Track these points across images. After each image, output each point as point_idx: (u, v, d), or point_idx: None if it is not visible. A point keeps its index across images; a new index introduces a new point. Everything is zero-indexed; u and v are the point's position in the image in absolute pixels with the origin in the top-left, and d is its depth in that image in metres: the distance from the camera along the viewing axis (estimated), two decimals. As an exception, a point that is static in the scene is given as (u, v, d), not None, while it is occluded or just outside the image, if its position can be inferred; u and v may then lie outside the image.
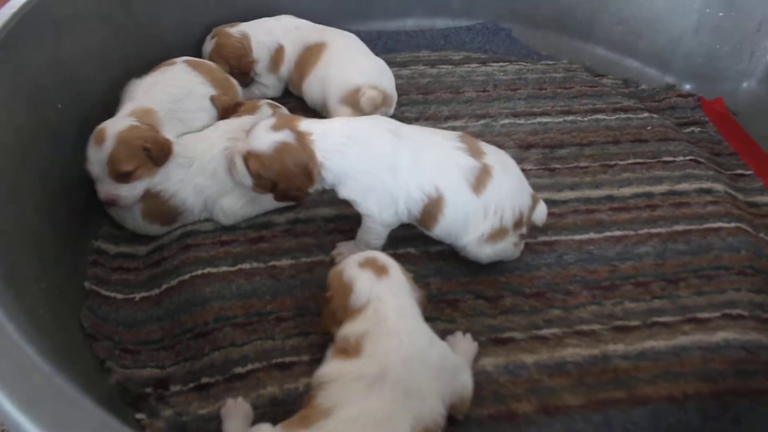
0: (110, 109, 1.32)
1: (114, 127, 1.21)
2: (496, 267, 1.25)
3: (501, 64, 1.89)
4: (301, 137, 1.13)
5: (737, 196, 1.48)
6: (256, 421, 0.96)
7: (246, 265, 1.23)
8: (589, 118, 1.69)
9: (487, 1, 2.07)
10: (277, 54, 1.61)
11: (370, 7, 2.02)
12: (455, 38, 2.02)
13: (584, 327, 1.15)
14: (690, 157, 1.56)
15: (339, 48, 1.57)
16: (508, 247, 1.19)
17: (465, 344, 1.09)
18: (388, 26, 2.04)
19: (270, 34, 1.61)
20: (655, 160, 1.56)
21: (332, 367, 0.89)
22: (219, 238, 1.29)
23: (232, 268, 1.22)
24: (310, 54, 1.57)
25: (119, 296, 1.20)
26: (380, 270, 0.99)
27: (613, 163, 1.54)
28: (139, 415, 1.00)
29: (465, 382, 0.96)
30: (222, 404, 1.00)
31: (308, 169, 1.13)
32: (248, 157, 1.15)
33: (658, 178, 1.50)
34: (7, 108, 1.08)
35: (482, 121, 1.64)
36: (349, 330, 0.93)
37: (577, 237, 1.33)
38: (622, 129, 1.66)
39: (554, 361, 1.09)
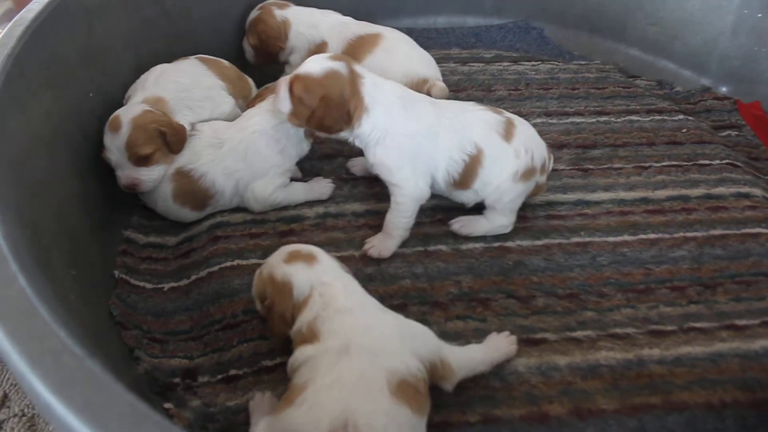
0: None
1: (128, 113, 1.22)
2: (527, 267, 1.23)
3: (533, 63, 1.87)
4: (354, 75, 1.17)
5: (776, 201, 1.45)
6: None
7: (275, 258, 1.22)
8: (623, 119, 1.67)
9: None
10: (318, 49, 1.58)
11: (401, 4, 2.02)
12: (486, 36, 2.01)
13: (618, 330, 1.13)
14: (727, 161, 1.53)
15: (396, 39, 1.58)
16: (530, 188, 1.27)
17: (499, 341, 1.07)
18: (419, 23, 2.03)
19: (314, 29, 1.60)
20: (691, 162, 1.53)
21: (297, 353, 0.90)
22: (249, 230, 1.29)
23: (262, 261, 1.18)
24: (363, 43, 1.56)
25: (148, 286, 1.20)
26: (308, 258, 0.99)
27: (647, 164, 1.52)
28: (167, 405, 0.99)
29: (437, 345, 0.95)
30: (250, 397, 0.99)
31: (349, 107, 1.16)
32: (294, 80, 1.17)
33: (694, 181, 1.47)
34: (39, 95, 1.08)
35: (514, 120, 1.62)
36: (299, 322, 0.93)
37: (611, 239, 1.31)
38: (657, 131, 1.63)
39: (587, 363, 1.07)
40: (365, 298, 0.97)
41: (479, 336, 1.09)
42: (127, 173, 1.23)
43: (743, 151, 1.61)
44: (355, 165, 1.45)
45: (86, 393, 0.55)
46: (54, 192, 1.06)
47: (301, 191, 1.34)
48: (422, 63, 1.55)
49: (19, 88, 1.01)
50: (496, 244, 1.28)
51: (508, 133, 1.22)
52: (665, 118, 1.68)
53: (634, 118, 1.67)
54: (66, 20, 1.19)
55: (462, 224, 1.29)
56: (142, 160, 1.22)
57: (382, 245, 1.23)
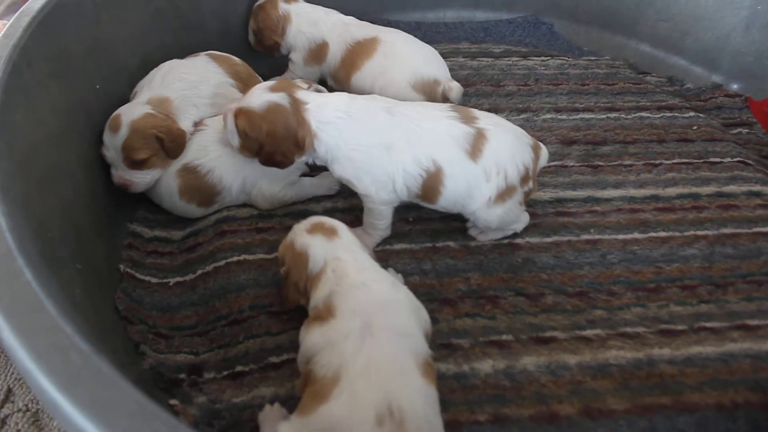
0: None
1: (129, 114, 1.21)
2: (537, 264, 1.22)
3: (542, 58, 1.85)
4: (296, 103, 1.13)
5: (787, 200, 1.43)
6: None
7: (282, 253, 1.21)
8: (633, 115, 1.65)
9: (529, -7, 2.04)
10: (319, 49, 1.57)
11: (409, -3, 2.00)
12: (495, 31, 1.98)
13: (628, 329, 1.11)
14: (738, 159, 1.51)
15: (395, 41, 1.52)
16: (516, 204, 1.18)
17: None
18: (428, 17, 2.01)
19: (314, 27, 1.57)
20: (702, 160, 1.51)
21: (315, 336, 0.88)
22: (255, 225, 1.28)
23: (269, 256, 1.20)
24: (362, 48, 1.52)
25: (154, 280, 1.18)
26: (330, 232, 1.01)
27: (657, 162, 1.50)
28: (172, 401, 0.98)
29: (426, 315, 0.97)
30: (256, 394, 0.99)
31: (297, 137, 1.13)
32: (238, 113, 1.15)
33: (704, 179, 1.45)
34: (46, 87, 1.07)
35: (523, 116, 1.61)
36: (315, 298, 0.94)
37: (621, 236, 1.29)
38: (667, 128, 1.61)
39: (597, 362, 1.06)
40: (378, 274, 0.97)
41: (488, 334, 1.09)
42: (120, 174, 1.23)
43: (754, 149, 1.59)
44: None
45: (93, 390, 0.54)
46: (60, 185, 1.05)
47: (309, 187, 1.33)
48: (429, 62, 1.49)
49: (26, 79, 1.00)
50: (506, 241, 1.26)
51: (475, 149, 1.13)
52: (676, 115, 1.66)
53: (644, 114, 1.66)
54: (73, 11, 1.17)
55: (480, 230, 1.26)
56: (137, 164, 1.21)
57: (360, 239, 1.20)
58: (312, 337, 0.89)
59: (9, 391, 1.06)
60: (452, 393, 0.99)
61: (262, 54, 1.65)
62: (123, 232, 1.27)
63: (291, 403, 0.96)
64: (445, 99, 1.45)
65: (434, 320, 1.10)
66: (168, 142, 1.22)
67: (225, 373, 1.03)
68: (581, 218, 1.33)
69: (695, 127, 1.62)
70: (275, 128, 1.12)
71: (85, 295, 0.96)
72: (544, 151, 1.23)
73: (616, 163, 1.49)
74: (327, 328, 0.87)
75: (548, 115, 1.62)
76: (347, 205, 1.33)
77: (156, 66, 1.35)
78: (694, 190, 1.42)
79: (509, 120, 1.55)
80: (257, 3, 1.62)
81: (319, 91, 1.38)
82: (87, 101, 1.21)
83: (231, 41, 1.56)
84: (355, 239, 1.03)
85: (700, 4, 1.83)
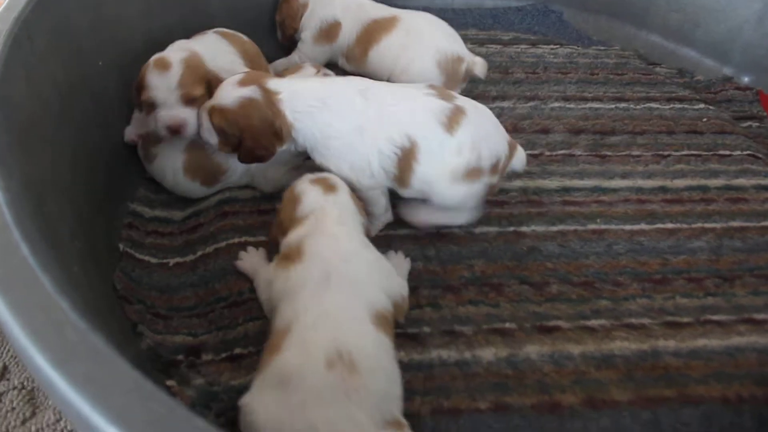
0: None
1: (175, 55, 1.19)
2: (542, 252, 1.20)
3: (551, 46, 1.82)
4: (268, 95, 1.11)
5: (797, 194, 1.40)
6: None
7: (284, 236, 1.19)
8: (642, 106, 1.63)
9: (539, -19, 2.00)
10: (331, 28, 1.56)
11: (418, -17, 1.96)
12: (504, 18, 1.96)
13: (633, 320, 1.10)
14: (748, 152, 1.49)
15: (416, 18, 1.50)
16: (479, 190, 1.13)
17: (397, 260, 1.13)
18: (435, 3, 1.98)
19: (327, 7, 1.57)
20: (711, 153, 1.49)
21: (279, 283, 0.92)
22: (257, 207, 1.26)
23: (270, 238, 1.18)
24: (379, 26, 1.50)
25: (153, 260, 1.17)
26: (329, 188, 1.05)
27: (666, 153, 1.48)
28: (169, 382, 0.97)
29: (400, 284, 1.00)
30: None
31: (275, 128, 1.11)
32: (213, 111, 1.12)
33: (713, 172, 1.43)
34: (47, 64, 1.04)
35: (531, 103, 1.59)
36: (291, 236, 0.98)
37: (628, 227, 1.28)
38: (677, 119, 1.59)
39: (601, 353, 1.04)
40: (354, 231, 1.00)
41: (491, 321, 1.07)
42: (174, 113, 1.17)
43: (764, 143, 1.57)
44: None
45: (88, 367, 0.52)
46: (60, 161, 1.03)
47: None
48: (451, 39, 1.47)
49: (27, 53, 0.97)
50: (511, 229, 1.25)
51: (452, 121, 1.09)
52: (685, 106, 1.64)
53: (653, 105, 1.63)
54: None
55: (415, 212, 1.20)
56: (192, 101, 1.18)
57: None
58: (280, 280, 0.93)
59: (5, 368, 1.05)
60: (454, 380, 0.98)
61: (267, 36, 1.63)
62: (123, 212, 1.25)
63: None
64: (468, 76, 1.44)
65: (437, 306, 1.09)
66: (214, 84, 1.19)
67: (223, 355, 1.01)
68: (588, 208, 1.31)
69: (705, 120, 1.59)
70: (251, 122, 1.10)
71: (83, 273, 0.94)
72: (520, 153, 1.19)
73: (624, 153, 1.47)
74: (293, 272, 0.91)
75: (556, 104, 1.60)
76: None
77: (160, 47, 1.32)
78: (703, 182, 1.40)
79: (517, 107, 1.55)
80: None
81: (326, 75, 1.36)
82: (89, 78, 1.18)
83: (236, 23, 1.53)
84: (350, 203, 1.05)
85: (713, -5, 1.80)
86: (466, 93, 1.58)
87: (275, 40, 1.65)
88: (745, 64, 1.79)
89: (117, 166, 1.25)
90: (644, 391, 0.99)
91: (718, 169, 1.44)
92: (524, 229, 1.25)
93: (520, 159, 1.19)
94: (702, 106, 1.65)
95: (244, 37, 1.46)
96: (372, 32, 1.50)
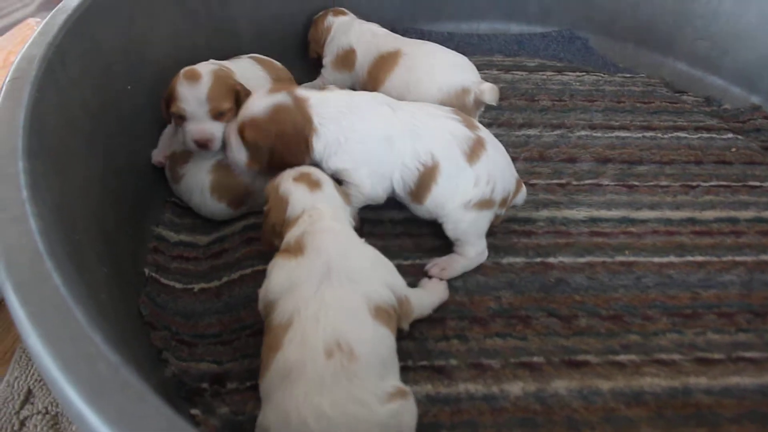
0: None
1: (205, 67, 1.20)
2: (570, 285, 1.18)
3: (577, 74, 1.81)
4: (299, 101, 1.12)
5: (829, 228, 1.37)
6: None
7: (310, 263, 1.18)
8: (670, 135, 1.61)
9: (564, 8, 2.00)
10: (347, 55, 1.56)
11: (443, 8, 1.97)
12: (529, 45, 1.95)
13: (664, 356, 1.07)
14: (778, 183, 1.46)
15: (418, 54, 1.45)
16: (486, 219, 1.16)
17: (432, 285, 1.13)
18: (461, 28, 1.99)
19: (344, 34, 1.57)
20: (741, 183, 1.47)
21: (281, 274, 0.92)
22: (283, 233, 1.25)
23: (296, 265, 1.17)
24: (384, 62, 1.47)
25: (178, 285, 1.16)
26: (314, 184, 1.04)
27: (695, 184, 1.45)
28: (194, 411, 0.96)
29: (402, 285, 0.99)
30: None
31: (305, 135, 1.11)
32: (244, 126, 1.12)
33: (743, 203, 1.41)
34: (79, 86, 1.05)
35: (557, 132, 1.57)
36: (288, 236, 0.97)
37: (657, 259, 1.25)
38: (705, 149, 1.57)
39: (631, 389, 1.01)
40: (350, 227, 1.01)
41: (519, 355, 1.05)
42: (202, 127, 1.19)
43: (795, 174, 1.54)
44: None
45: (121, 403, 0.51)
46: (89, 186, 1.03)
47: None
48: (454, 71, 1.41)
49: (59, 78, 0.98)
50: (538, 260, 1.23)
51: (473, 153, 1.12)
52: (714, 136, 1.62)
53: (681, 134, 1.61)
54: (107, 9, 1.16)
55: (441, 268, 1.18)
56: (220, 115, 1.19)
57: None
58: (279, 272, 0.92)
59: (29, 392, 1.04)
60: (481, 415, 0.96)
61: (294, 59, 1.64)
62: (148, 236, 1.25)
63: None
64: (478, 105, 1.39)
65: (464, 339, 1.07)
66: (243, 96, 1.20)
67: (248, 384, 0.99)
68: (616, 239, 1.29)
69: (734, 150, 1.57)
70: (284, 128, 1.10)
71: (109, 299, 0.93)
72: (523, 191, 1.23)
73: (652, 183, 1.45)
74: (294, 265, 0.91)
75: (583, 132, 1.59)
76: (376, 217, 1.30)
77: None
78: (733, 214, 1.38)
79: (543, 135, 1.54)
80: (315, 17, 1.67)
81: None
82: (118, 101, 1.20)
83: (262, 44, 1.54)
84: (337, 196, 1.05)
85: (742, 23, 1.78)
86: (492, 120, 1.58)
87: (302, 62, 1.66)
88: (775, 93, 1.77)
89: (143, 189, 1.26)
90: (675, 429, 0.97)
91: (748, 200, 1.42)
92: (551, 260, 1.23)
93: (522, 196, 1.23)
94: (730, 135, 1.62)
95: (278, 64, 1.48)
96: (379, 69, 1.47)
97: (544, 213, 1.33)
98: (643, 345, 1.09)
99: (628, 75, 1.86)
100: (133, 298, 1.10)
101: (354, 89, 1.54)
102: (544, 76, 1.78)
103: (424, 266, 1.19)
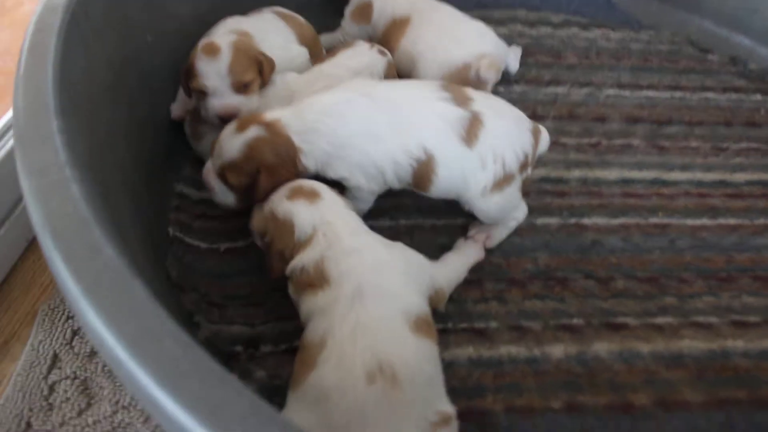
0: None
1: (224, 39, 1.11)
2: (605, 246, 1.14)
3: (603, 30, 1.72)
4: (271, 126, 0.98)
5: None
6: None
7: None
8: (698, 96, 1.53)
9: (587, -38, 1.88)
10: (364, 7, 1.44)
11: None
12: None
13: (701, 319, 1.04)
14: (808, 145, 1.40)
15: (425, 22, 1.34)
16: (513, 193, 1.04)
17: (467, 248, 1.08)
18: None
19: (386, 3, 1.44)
20: (770, 146, 1.41)
21: (308, 304, 0.83)
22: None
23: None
24: (395, 29, 1.37)
25: (203, 245, 1.10)
26: (311, 195, 0.92)
27: (725, 145, 1.39)
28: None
29: (432, 277, 0.91)
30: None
31: (291, 157, 0.98)
32: (224, 172, 1.00)
33: (774, 166, 1.35)
34: (101, 38, 0.97)
35: (585, 90, 1.50)
36: (303, 260, 0.86)
37: (689, 222, 1.20)
38: (734, 110, 1.50)
39: (670, 352, 0.98)
40: (369, 237, 0.90)
41: (559, 317, 1.01)
42: (226, 101, 1.11)
43: (823, 136, 1.48)
44: None
45: (198, 387, 0.46)
46: (116, 143, 0.97)
47: None
48: (458, 45, 1.30)
49: (84, 28, 0.90)
50: (572, 220, 1.18)
51: (470, 134, 0.98)
52: (742, 97, 1.55)
53: (709, 95, 1.54)
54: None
55: (485, 235, 1.10)
56: (244, 87, 1.11)
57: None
58: (307, 303, 0.83)
59: (55, 356, 0.99)
60: (524, 378, 0.93)
61: (318, 13, 1.53)
62: (171, 193, 1.18)
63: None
64: (491, 74, 1.30)
65: (503, 301, 1.03)
66: (266, 65, 1.13)
67: (283, 346, 0.95)
68: (648, 200, 1.24)
69: (763, 112, 1.50)
70: (266, 159, 0.97)
71: (146, 261, 0.88)
72: (545, 136, 1.08)
73: (682, 144, 1.38)
74: (321, 296, 0.82)
75: (611, 91, 1.51)
76: (393, 224, 1.16)
77: (208, 23, 1.25)
78: (764, 176, 1.32)
79: (571, 93, 1.47)
80: None
81: (382, 52, 1.26)
82: (138, 54, 1.11)
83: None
84: (338, 198, 0.94)
85: (772, -20, 1.68)
86: (519, 77, 1.50)
87: (326, 18, 1.57)
88: (802, 53, 1.68)
89: (163, 144, 1.19)
90: (716, 392, 0.94)
91: (778, 163, 1.36)
92: (586, 221, 1.18)
93: (544, 143, 1.08)
94: (759, 97, 1.55)
95: (302, 20, 1.38)
96: (390, 35, 1.37)
97: (576, 173, 1.27)
98: (680, 308, 1.05)
99: (653, 32, 1.77)
100: (160, 259, 1.05)
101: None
102: (570, 32, 1.69)
103: (457, 226, 1.14)
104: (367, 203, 1.08)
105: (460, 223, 1.14)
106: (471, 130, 0.98)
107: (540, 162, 1.19)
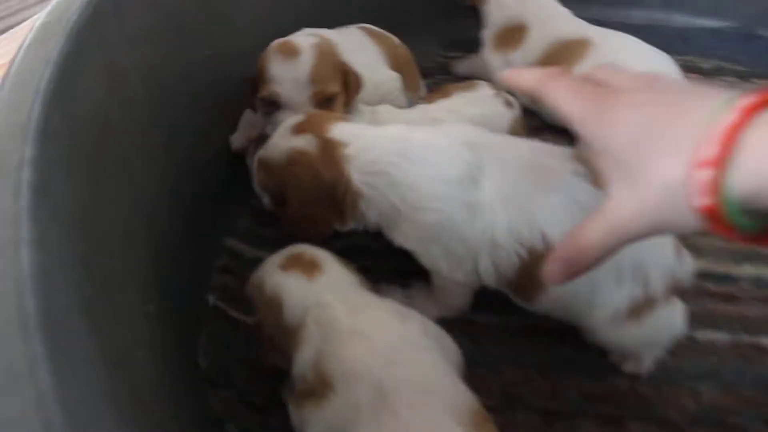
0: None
1: (305, 39, 0.86)
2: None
3: (765, 81, 1.37)
4: (329, 147, 0.72)
5: None
6: None
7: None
8: None
9: (741, -1, 1.54)
10: (515, 31, 1.15)
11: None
12: (696, 42, 1.50)
13: None
14: None
15: (613, 47, 1.08)
16: (658, 323, 0.69)
17: None
18: (608, 15, 1.54)
19: (517, 2, 1.17)
20: None
21: (315, 424, 0.58)
22: (388, 262, 0.89)
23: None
24: (566, 52, 1.08)
25: (250, 320, 0.82)
26: (310, 267, 0.68)
27: None
28: None
29: (453, 346, 0.66)
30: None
31: (336, 197, 0.73)
32: (259, 164, 0.79)
33: None
34: (135, 43, 0.74)
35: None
36: (300, 364, 0.62)
37: None
38: None
39: None
40: (375, 310, 0.64)
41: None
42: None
43: None
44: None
45: None
46: (147, 185, 0.72)
47: None
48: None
49: (109, 30, 0.67)
50: (745, 338, 0.83)
51: None
52: None
53: None
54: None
55: (635, 362, 0.77)
56: (326, 103, 0.85)
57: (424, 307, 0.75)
58: (313, 425, 0.58)
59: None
60: None
61: (417, 32, 1.25)
62: (217, 250, 0.93)
63: None
64: None
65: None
66: (352, 77, 0.88)
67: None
68: None
69: None
70: (299, 184, 0.74)
71: (151, 355, 0.61)
72: (687, 260, 0.71)
73: None
74: (328, 408, 0.57)
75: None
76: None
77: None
78: None
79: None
80: None
81: (509, 104, 0.98)
82: (188, 70, 0.88)
83: (377, 12, 1.18)
84: (344, 272, 0.69)
85: None
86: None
87: (428, 42, 1.29)
88: None
89: (213, 187, 0.93)
90: None
91: None
92: (764, 341, 0.83)
93: (687, 268, 0.71)
94: None
95: (395, 39, 1.12)
96: (557, 59, 1.07)
97: (748, 269, 0.92)
98: None
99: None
100: (187, 341, 0.78)
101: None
102: (725, 83, 1.35)
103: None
104: (459, 298, 0.78)
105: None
106: None
107: (697, 250, 0.86)
